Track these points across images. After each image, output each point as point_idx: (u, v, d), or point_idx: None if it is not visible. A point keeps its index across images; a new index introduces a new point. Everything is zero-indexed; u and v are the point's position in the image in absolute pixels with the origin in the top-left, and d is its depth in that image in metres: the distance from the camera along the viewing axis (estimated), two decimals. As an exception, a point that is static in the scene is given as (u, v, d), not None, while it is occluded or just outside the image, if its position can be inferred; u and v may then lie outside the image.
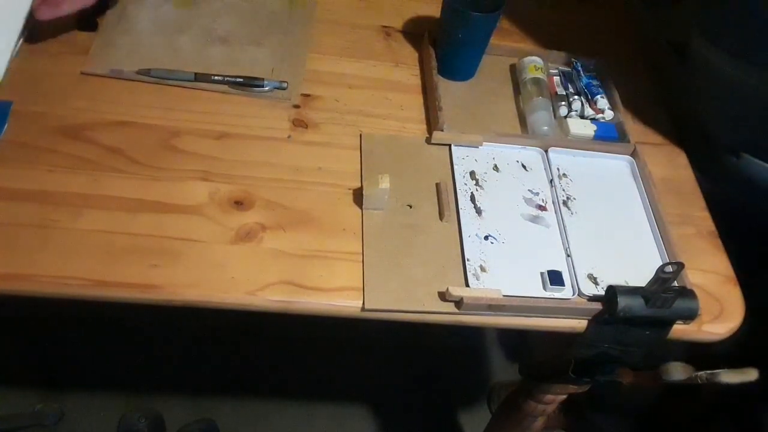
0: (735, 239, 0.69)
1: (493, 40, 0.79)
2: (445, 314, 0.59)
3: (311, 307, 0.58)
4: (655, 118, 0.80)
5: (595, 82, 0.79)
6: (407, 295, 0.59)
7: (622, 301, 0.56)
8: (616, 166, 0.74)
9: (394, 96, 0.77)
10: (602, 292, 0.60)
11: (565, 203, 0.69)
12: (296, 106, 0.73)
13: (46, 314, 1.26)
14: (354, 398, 1.29)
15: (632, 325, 0.59)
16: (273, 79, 0.74)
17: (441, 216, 0.65)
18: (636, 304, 0.56)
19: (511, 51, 0.83)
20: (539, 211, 0.67)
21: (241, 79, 0.73)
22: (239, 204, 0.63)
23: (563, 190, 0.70)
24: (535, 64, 0.78)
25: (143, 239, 0.59)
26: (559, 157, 0.72)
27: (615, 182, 0.72)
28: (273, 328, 1.30)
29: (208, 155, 0.67)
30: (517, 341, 1.40)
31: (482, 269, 0.62)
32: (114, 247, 0.58)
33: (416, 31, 0.84)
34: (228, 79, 0.73)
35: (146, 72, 0.72)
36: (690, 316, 0.58)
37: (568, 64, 0.82)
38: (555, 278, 0.61)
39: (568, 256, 0.64)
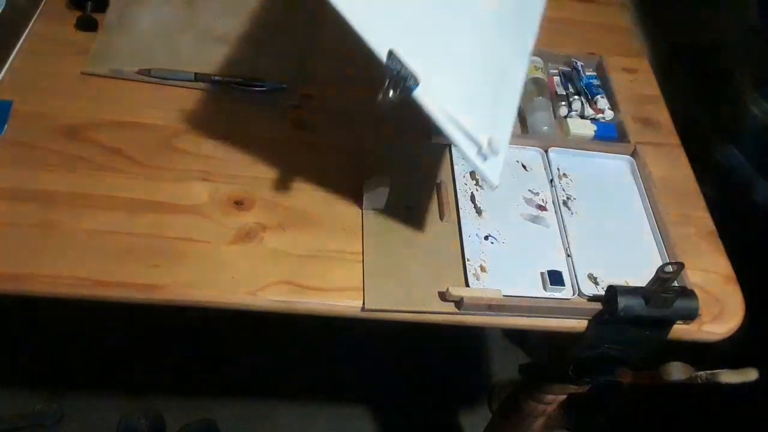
0: (735, 239, 0.69)
1: (493, 40, 0.78)
2: (445, 314, 0.59)
3: (311, 307, 0.58)
4: (656, 118, 0.80)
5: (595, 82, 0.79)
6: (407, 295, 0.59)
7: (623, 301, 0.56)
8: (616, 166, 0.74)
9: (394, 96, 0.76)
10: (602, 292, 0.60)
11: (565, 203, 0.69)
12: (296, 107, 0.73)
13: (46, 314, 1.26)
14: (354, 398, 1.29)
15: (632, 325, 0.59)
16: (273, 80, 0.74)
17: (441, 216, 0.65)
18: (636, 304, 0.56)
19: (511, 51, 0.82)
20: (539, 211, 0.67)
21: (241, 79, 0.73)
22: (239, 204, 0.63)
23: (563, 190, 0.70)
24: (535, 64, 0.78)
25: (143, 239, 0.59)
26: (559, 157, 0.72)
27: (615, 182, 0.72)
28: (273, 328, 1.30)
29: (208, 155, 0.67)
30: (517, 341, 1.40)
31: (482, 269, 0.62)
32: (114, 247, 0.58)
33: (416, 31, 0.84)
34: (228, 79, 0.73)
35: (146, 72, 0.72)
36: (690, 316, 0.58)
37: (568, 63, 0.82)
38: (555, 278, 0.61)
39: (568, 256, 0.64)
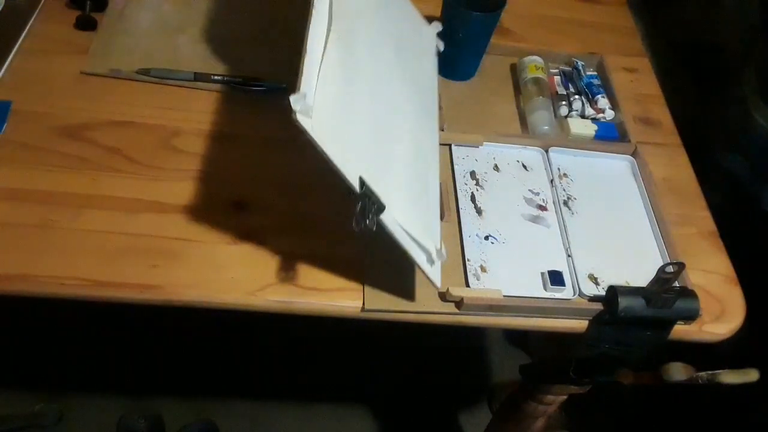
0: (735, 238, 0.69)
1: (493, 40, 0.78)
2: (445, 314, 0.59)
3: (311, 307, 0.58)
4: (656, 118, 0.80)
5: (595, 82, 0.79)
6: (407, 295, 0.59)
7: (623, 302, 0.56)
8: (616, 165, 0.73)
9: (394, 96, 0.76)
10: (603, 293, 0.60)
11: (565, 203, 0.68)
12: (296, 106, 0.73)
13: (46, 314, 1.25)
14: (354, 398, 1.29)
15: (633, 325, 0.59)
16: (273, 80, 0.73)
17: (441, 216, 0.65)
18: (637, 304, 0.56)
19: (511, 51, 0.82)
20: (540, 211, 0.67)
21: (241, 79, 0.73)
22: (239, 204, 0.63)
23: (564, 190, 0.70)
24: (536, 64, 0.78)
25: (143, 239, 0.59)
26: (560, 156, 0.72)
27: (616, 182, 0.72)
28: (273, 328, 1.29)
29: (208, 155, 0.66)
30: (517, 341, 1.40)
31: (482, 269, 0.61)
32: (114, 247, 0.58)
33: (416, 31, 0.84)
34: (227, 79, 0.73)
35: (146, 72, 0.72)
36: (691, 316, 0.58)
37: (568, 63, 0.82)
38: (555, 278, 0.61)
39: (569, 256, 0.64)
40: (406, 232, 0.51)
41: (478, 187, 0.68)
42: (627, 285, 0.59)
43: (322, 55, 0.50)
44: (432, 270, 0.54)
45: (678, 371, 0.64)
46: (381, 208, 0.48)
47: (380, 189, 0.49)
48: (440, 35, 0.78)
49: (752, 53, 0.85)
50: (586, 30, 0.90)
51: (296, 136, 0.70)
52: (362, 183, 0.47)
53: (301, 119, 0.45)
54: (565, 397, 0.79)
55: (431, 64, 0.71)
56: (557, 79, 0.80)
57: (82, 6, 0.76)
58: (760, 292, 0.67)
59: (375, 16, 0.62)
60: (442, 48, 0.72)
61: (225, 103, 0.72)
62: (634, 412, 1.22)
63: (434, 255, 0.54)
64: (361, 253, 0.61)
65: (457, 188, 0.67)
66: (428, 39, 0.73)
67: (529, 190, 0.69)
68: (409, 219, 0.52)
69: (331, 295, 0.58)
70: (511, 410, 0.88)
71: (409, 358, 1.34)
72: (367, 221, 0.47)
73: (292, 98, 0.45)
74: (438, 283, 0.55)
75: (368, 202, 0.47)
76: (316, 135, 0.46)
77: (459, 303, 0.58)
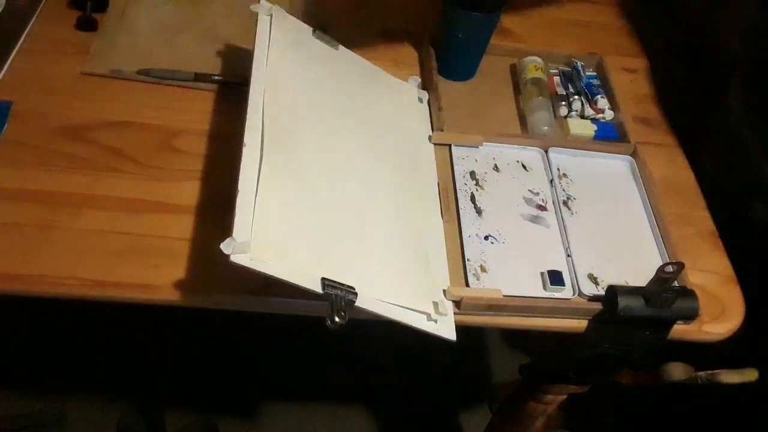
0: (734, 239, 0.69)
1: (493, 40, 0.79)
2: (446, 314, 0.59)
3: (311, 307, 0.58)
4: (656, 118, 0.80)
5: (595, 82, 0.79)
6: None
7: (623, 301, 0.56)
8: (616, 166, 0.74)
9: (394, 96, 0.76)
10: (602, 292, 0.60)
11: (565, 203, 0.69)
12: (296, 106, 0.73)
13: (46, 314, 1.26)
14: (354, 398, 1.29)
15: (633, 325, 0.59)
16: (273, 79, 0.73)
17: (441, 216, 0.65)
18: (636, 304, 0.56)
19: (511, 51, 0.82)
20: (539, 211, 0.67)
21: (241, 80, 0.73)
22: (239, 204, 0.63)
23: (563, 190, 0.70)
24: (535, 64, 0.78)
25: (143, 239, 0.59)
26: (560, 157, 0.72)
27: (615, 182, 0.72)
28: (273, 328, 1.30)
29: (208, 155, 0.67)
30: (517, 341, 1.40)
31: (482, 269, 0.61)
32: (114, 247, 0.58)
33: (416, 31, 0.84)
34: (228, 79, 0.73)
35: (146, 72, 0.72)
36: (690, 316, 0.58)
37: (568, 63, 0.82)
38: (555, 278, 0.61)
39: (569, 256, 0.64)
40: (396, 307, 0.52)
41: (477, 187, 0.68)
42: (626, 285, 0.59)
43: (258, 179, 0.50)
44: (438, 326, 0.54)
45: (677, 371, 0.64)
46: (351, 300, 0.48)
47: (354, 276, 0.49)
48: (440, 35, 0.78)
49: (743, 57, 0.84)
50: (585, 30, 0.90)
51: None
52: (324, 284, 0.47)
53: (237, 259, 0.45)
54: (564, 396, 0.80)
55: (418, 116, 0.73)
56: (557, 79, 0.80)
57: (83, 7, 0.76)
58: (760, 291, 0.67)
59: (331, 110, 0.64)
60: (425, 99, 0.74)
61: (225, 103, 0.72)
62: (634, 412, 1.22)
63: (433, 314, 0.54)
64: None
65: (457, 188, 0.67)
66: (410, 96, 0.74)
67: (529, 190, 0.69)
68: (398, 290, 0.53)
69: (331, 294, 0.58)
70: (510, 410, 0.89)
71: (409, 358, 1.34)
72: (337, 318, 0.47)
73: (223, 245, 0.45)
74: (452, 337, 0.54)
75: (335, 299, 0.47)
76: (259, 265, 0.46)
77: (459, 303, 0.58)
